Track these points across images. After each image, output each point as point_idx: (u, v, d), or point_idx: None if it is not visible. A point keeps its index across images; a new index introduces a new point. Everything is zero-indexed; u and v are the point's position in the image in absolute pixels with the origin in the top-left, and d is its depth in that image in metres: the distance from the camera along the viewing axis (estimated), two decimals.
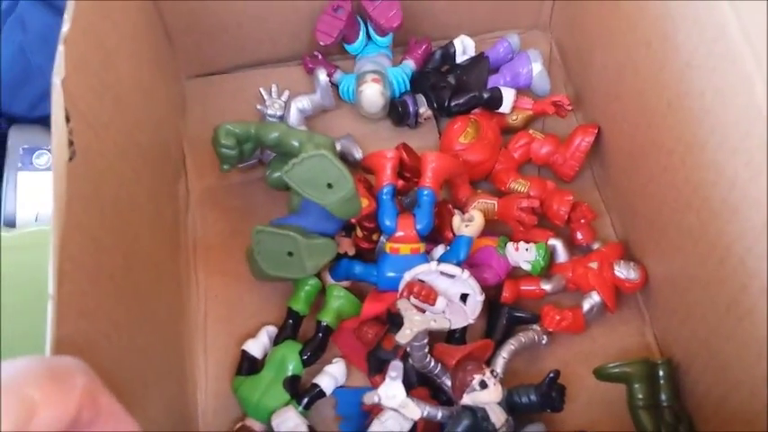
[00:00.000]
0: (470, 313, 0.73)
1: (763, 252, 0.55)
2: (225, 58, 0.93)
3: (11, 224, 0.84)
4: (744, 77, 0.55)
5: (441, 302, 0.71)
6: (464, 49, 0.91)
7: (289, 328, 0.76)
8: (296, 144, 0.76)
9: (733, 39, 0.56)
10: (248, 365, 0.75)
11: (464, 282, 0.71)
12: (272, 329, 0.77)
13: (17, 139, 0.89)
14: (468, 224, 0.74)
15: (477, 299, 0.72)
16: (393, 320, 0.73)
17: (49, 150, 0.87)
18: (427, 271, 0.72)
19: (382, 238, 0.77)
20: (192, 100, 0.92)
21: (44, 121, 0.91)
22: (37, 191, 0.86)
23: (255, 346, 0.76)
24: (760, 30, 0.55)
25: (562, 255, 0.80)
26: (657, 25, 0.67)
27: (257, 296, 0.80)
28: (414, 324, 0.65)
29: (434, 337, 0.72)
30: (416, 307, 0.70)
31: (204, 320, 0.79)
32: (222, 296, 0.81)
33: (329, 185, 0.70)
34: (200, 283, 0.81)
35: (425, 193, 0.75)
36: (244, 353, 0.76)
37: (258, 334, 0.77)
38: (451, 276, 0.72)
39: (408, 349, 0.68)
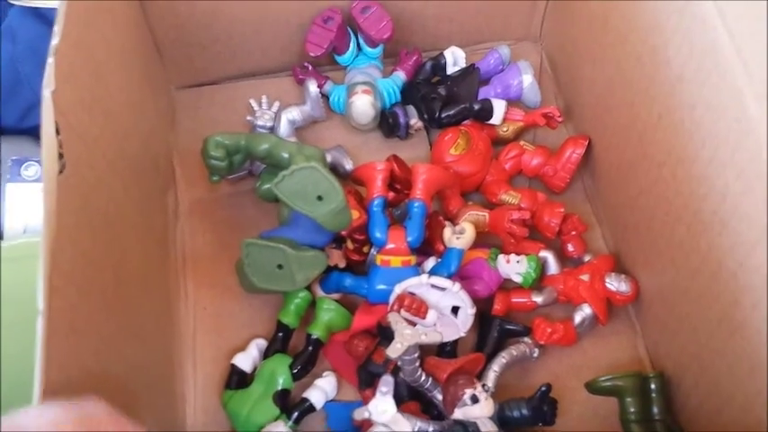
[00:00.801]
0: (461, 326, 0.73)
1: (755, 267, 0.55)
2: (215, 68, 0.92)
3: None
4: (734, 91, 0.55)
5: (432, 315, 0.71)
6: (455, 60, 0.91)
7: (278, 342, 0.75)
8: (286, 156, 0.75)
9: (723, 53, 0.56)
10: (238, 379, 0.75)
11: (455, 295, 0.71)
12: (262, 342, 0.77)
13: (6, 150, 0.88)
14: (459, 236, 0.74)
15: (468, 312, 0.72)
16: (384, 334, 0.73)
17: (37, 162, 0.86)
18: (418, 284, 0.71)
19: (373, 251, 0.77)
20: (181, 111, 0.92)
21: (33, 132, 0.90)
22: (25, 202, 0.85)
23: (245, 360, 0.75)
24: (750, 44, 0.55)
25: (553, 267, 0.80)
26: (647, 39, 0.67)
27: (247, 308, 0.80)
28: (404, 338, 0.65)
29: (425, 350, 0.71)
30: (407, 320, 0.69)
31: (193, 333, 0.79)
32: (211, 308, 0.80)
33: (319, 198, 0.70)
34: (190, 295, 0.81)
35: (416, 205, 0.75)
36: (233, 366, 0.75)
37: (248, 347, 0.76)
38: (442, 289, 0.71)
39: (399, 363, 0.67)
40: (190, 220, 0.85)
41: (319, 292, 0.77)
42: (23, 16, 0.91)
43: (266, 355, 0.75)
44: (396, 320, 0.67)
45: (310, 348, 0.74)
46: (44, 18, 0.91)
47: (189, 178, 0.87)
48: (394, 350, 0.64)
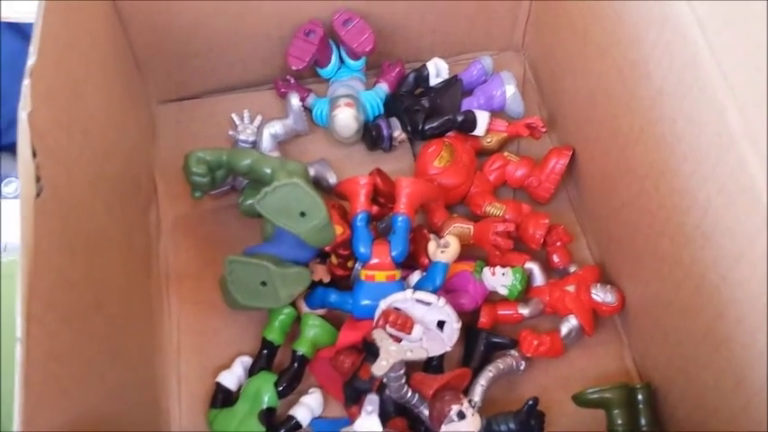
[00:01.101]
0: (447, 341, 0.72)
1: (739, 281, 0.55)
2: (195, 82, 0.92)
3: None
4: (715, 105, 0.55)
5: (417, 331, 0.71)
6: (437, 71, 0.91)
7: (263, 359, 0.75)
8: (268, 171, 0.75)
9: (704, 66, 0.56)
10: (223, 397, 0.74)
11: (440, 309, 0.71)
12: (247, 360, 0.76)
13: None
14: (443, 250, 0.74)
15: (453, 326, 0.72)
16: (369, 349, 0.72)
17: (17, 178, 0.85)
18: (403, 299, 0.71)
19: (357, 265, 0.77)
20: (162, 126, 0.91)
21: (12, 149, 0.89)
22: (5, 219, 0.85)
23: (230, 378, 0.75)
24: (731, 57, 0.55)
25: (539, 278, 0.80)
26: (627, 52, 0.67)
27: (231, 325, 0.79)
28: (390, 355, 0.65)
29: (411, 365, 0.71)
30: (392, 336, 0.69)
31: (177, 352, 0.78)
32: (195, 326, 0.80)
33: (302, 214, 0.70)
34: (173, 313, 0.80)
35: (400, 219, 0.75)
36: (218, 385, 0.75)
37: (232, 365, 0.76)
38: (428, 304, 0.71)
39: (385, 380, 0.67)
40: (173, 237, 0.84)
41: (304, 308, 0.76)
42: (2, 31, 0.90)
43: (251, 372, 0.75)
44: (381, 337, 0.66)
45: (296, 365, 0.73)
46: (23, 33, 0.90)
47: (171, 194, 0.86)
48: (379, 367, 0.64)
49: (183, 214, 0.85)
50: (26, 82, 0.51)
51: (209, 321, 0.80)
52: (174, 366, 0.78)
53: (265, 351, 0.75)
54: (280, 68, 0.91)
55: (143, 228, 0.80)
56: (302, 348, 0.74)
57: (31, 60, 0.53)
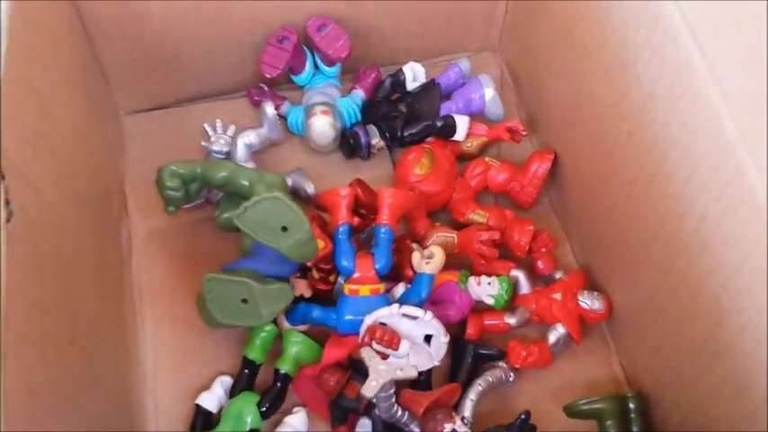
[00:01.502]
0: (435, 355, 0.70)
1: (741, 289, 0.54)
2: (165, 92, 0.88)
3: None
4: (710, 110, 0.54)
5: (404, 346, 0.69)
6: (414, 76, 0.89)
7: (245, 379, 0.72)
8: (245, 184, 0.72)
9: (697, 71, 0.54)
10: (203, 420, 0.71)
11: (427, 323, 0.69)
12: (227, 380, 0.73)
13: None
14: (428, 261, 0.72)
15: (441, 340, 0.70)
16: (355, 367, 0.70)
17: None
18: (389, 314, 0.69)
19: (340, 279, 0.74)
20: (131, 137, 0.88)
21: None
22: None
23: (210, 400, 0.72)
24: (725, 62, 0.53)
25: (525, 286, 0.78)
26: (615, 54, 0.66)
27: (209, 344, 0.76)
28: (379, 374, 0.62)
29: (399, 382, 0.68)
30: (379, 352, 0.67)
31: (153, 374, 0.75)
32: (172, 346, 0.77)
33: (284, 228, 0.67)
34: (148, 333, 0.77)
35: (383, 230, 0.73)
36: (197, 407, 0.72)
37: (212, 385, 0.73)
38: (414, 318, 0.69)
39: (374, 400, 0.65)
40: (146, 253, 0.81)
41: (285, 325, 0.74)
42: None
43: (232, 393, 0.72)
44: (369, 356, 0.64)
45: (279, 384, 0.71)
46: None
47: (143, 208, 0.83)
48: (369, 388, 0.61)
49: (156, 228, 0.82)
50: None
51: (186, 340, 0.76)
52: (150, 390, 0.74)
53: (246, 370, 0.72)
54: (252, 75, 0.88)
55: (115, 245, 0.77)
56: (285, 366, 0.71)
57: None
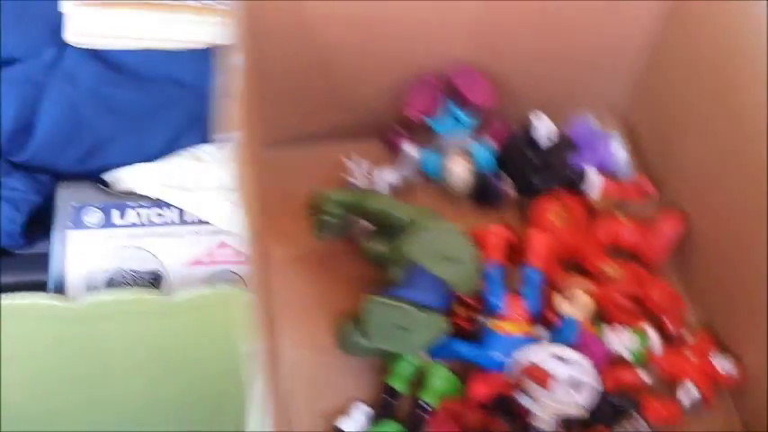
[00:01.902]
0: (584, 403, 0.70)
1: None
2: (300, 125, 0.90)
3: (59, 286, 0.81)
4: None
5: (557, 388, 0.69)
6: (543, 128, 0.91)
7: (387, 407, 0.72)
8: (402, 216, 0.74)
9: None
10: None
11: (581, 368, 0.69)
12: (365, 407, 0.73)
13: (65, 196, 0.85)
14: (577, 307, 0.73)
15: (593, 387, 0.70)
16: (501, 407, 0.70)
17: (98, 208, 0.84)
18: (540, 353, 0.70)
19: (482, 318, 0.75)
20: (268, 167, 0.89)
21: (92, 177, 0.87)
22: (87, 251, 0.82)
23: (351, 424, 0.72)
24: None
25: (656, 343, 0.79)
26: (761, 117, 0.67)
27: (346, 371, 0.77)
28: (546, 409, 0.63)
29: None
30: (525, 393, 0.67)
31: (291, 395, 0.75)
32: (308, 370, 0.77)
33: (449, 258, 0.68)
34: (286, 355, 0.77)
35: (533, 272, 0.74)
36: (337, 430, 0.72)
37: (350, 411, 0.73)
38: (564, 360, 0.70)
39: None
40: (284, 278, 0.82)
41: (428, 358, 0.74)
42: (82, 59, 0.89)
43: (375, 420, 0.72)
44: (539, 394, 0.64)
45: (421, 415, 0.71)
46: (103, 59, 0.89)
47: (281, 234, 0.84)
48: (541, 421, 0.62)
49: (293, 255, 0.83)
50: None
51: (322, 366, 0.77)
52: (284, 413, 0.74)
53: (388, 399, 0.73)
54: (389, 117, 0.90)
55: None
56: (429, 398, 0.71)
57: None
